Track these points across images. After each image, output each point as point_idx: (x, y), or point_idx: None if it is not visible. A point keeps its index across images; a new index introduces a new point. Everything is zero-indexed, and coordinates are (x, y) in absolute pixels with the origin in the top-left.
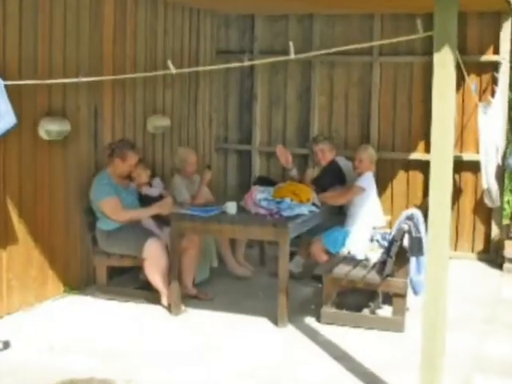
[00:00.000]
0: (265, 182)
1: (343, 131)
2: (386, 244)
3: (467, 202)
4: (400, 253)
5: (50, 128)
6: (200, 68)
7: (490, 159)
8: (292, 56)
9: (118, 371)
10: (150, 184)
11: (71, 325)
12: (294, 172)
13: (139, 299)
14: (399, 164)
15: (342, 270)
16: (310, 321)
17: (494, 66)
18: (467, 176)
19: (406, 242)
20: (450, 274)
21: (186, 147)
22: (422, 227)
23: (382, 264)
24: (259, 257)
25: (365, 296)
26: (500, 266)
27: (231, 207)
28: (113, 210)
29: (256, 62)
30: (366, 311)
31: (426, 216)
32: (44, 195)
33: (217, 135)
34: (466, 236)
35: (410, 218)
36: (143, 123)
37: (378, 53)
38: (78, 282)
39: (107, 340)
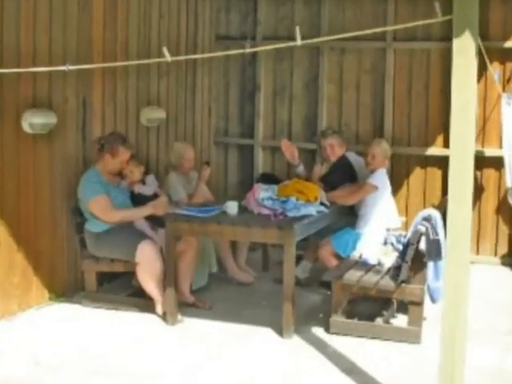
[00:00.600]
0: (269, 179)
1: (354, 124)
2: (400, 247)
3: (490, 201)
4: (416, 257)
5: (34, 121)
6: (198, 55)
7: None
8: (298, 42)
9: None
10: (143, 182)
11: (58, 336)
12: (301, 169)
13: (131, 307)
14: (415, 160)
15: (352, 275)
16: (317, 331)
17: None
18: (489, 173)
19: (422, 245)
20: (471, 279)
21: (182, 141)
22: (440, 229)
23: (396, 269)
24: (262, 261)
25: (378, 304)
26: None
27: (232, 207)
28: (103, 210)
29: (259, 48)
30: (378, 321)
31: (444, 217)
32: (28, 194)
33: (216, 128)
34: (488, 238)
35: (428, 218)
36: (136, 115)
37: (391, 38)
38: (65, 288)
39: (97, 352)
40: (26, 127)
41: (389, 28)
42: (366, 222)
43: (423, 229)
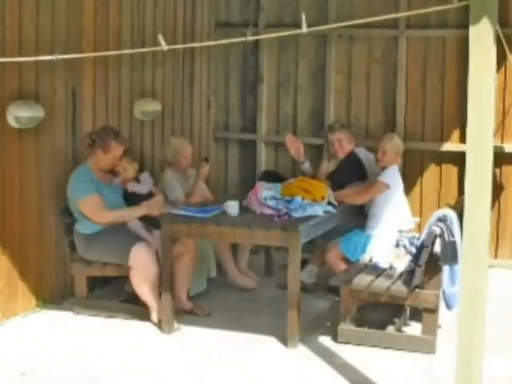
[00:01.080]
0: (272, 177)
1: (364, 117)
2: (414, 250)
3: (509, 200)
4: (431, 260)
5: (20, 114)
6: (196, 44)
7: None
8: (304, 29)
9: None
10: (137, 180)
11: (45, 345)
12: (307, 166)
13: (125, 315)
14: (430, 156)
15: (362, 280)
16: (325, 340)
17: None
18: (509, 170)
19: (437, 247)
20: (490, 285)
21: (179, 136)
22: (456, 230)
23: (409, 273)
24: (265, 265)
25: (389, 311)
26: None
27: (232, 207)
28: (94, 210)
29: (262, 36)
30: (390, 329)
31: (461, 217)
32: (13, 193)
33: (216, 122)
34: (508, 241)
35: (443, 219)
36: (129, 108)
37: (404, 25)
38: (53, 294)
39: (87, 363)
40: (11, 121)
41: (401, 14)
42: (376, 222)
43: (438, 230)
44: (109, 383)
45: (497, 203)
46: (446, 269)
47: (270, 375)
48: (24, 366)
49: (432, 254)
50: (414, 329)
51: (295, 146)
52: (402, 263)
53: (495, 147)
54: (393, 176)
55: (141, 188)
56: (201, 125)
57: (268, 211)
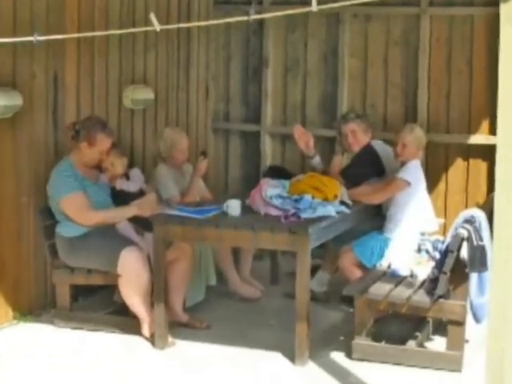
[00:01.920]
0: (278, 173)
1: (381, 106)
2: (438, 255)
3: None
4: (457, 267)
5: None
6: (193, 23)
7: None
8: (314, 7)
9: None
10: (126, 176)
11: (23, 362)
12: (317, 160)
13: (113, 328)
14: (456, 149)
15: (380, 289)
16: (337, 356)
17: None
18: None
19: (464, 252)
20: None
21: (174, 128)
22: (485, 233)
23: (432, 282)
24: (271, 272)
25: (410, 324)
26: None
27: (234, 207)
28: (78, 210)
29: (266, 15)
30: (411, 344)
31: (490, 218)
32: None
33: (215, 112)
34: None
35: (471, 220)
36: (118, 96)
37: (427, 2)
38: (32, 305)
39: (71, 382)
40: None
41: None
42: (395, 224)
43: (465, 233)
44: None
45: None
46: (473, 276)
47: None
48: None
49: (458, 260)
50: (437, 344)
51: (304, 139)
52: (424, 270)
53: None
54: (414, 172)
55: (131, 185)
56: (198, 114)
57: (274, 211)
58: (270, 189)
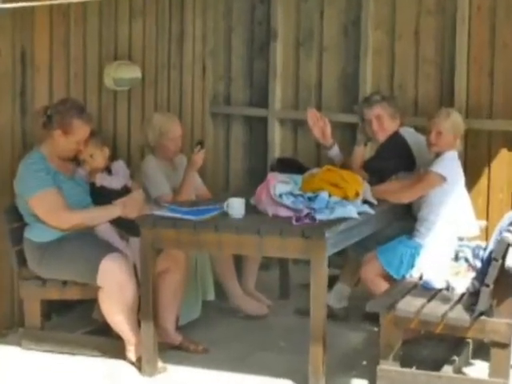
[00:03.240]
0: (289, 166)
1: (412, 87)
2: (479, 264)
3: None
4: (501, 278)
5: None
6: None
7: None
8: None
9: None
10: (108, 170)
11: None
12: (335, 151)
13: (92, 351)
14: (500, 138)
15: (410, 305)
16: None
17: None
18: None
19: (510, 261)
20: None
21: (165, 112)
22: None
23: (472, 296)
24: (280, 285)
25: (446, 346)
26: None
27: (236, 206)
28: (50, 210)
29: None
30: (447, 369)
31: None
32: None
33: (214, 94)
34: None
35: None
36: (98, 75)
37: None
38: None
39: None
40: None
41: None
42: (428, 228)
43: (511, 238)
44: None
45: None
46: None
47: None
48: None
49: (503, 270)
50: (478, 369)
51: (320, 125)
52: (462, 282)
53: None
54: (450, 165)
55: (113, 181)
56: (194, 97)
57: (283, 212)
58: (280, 185)
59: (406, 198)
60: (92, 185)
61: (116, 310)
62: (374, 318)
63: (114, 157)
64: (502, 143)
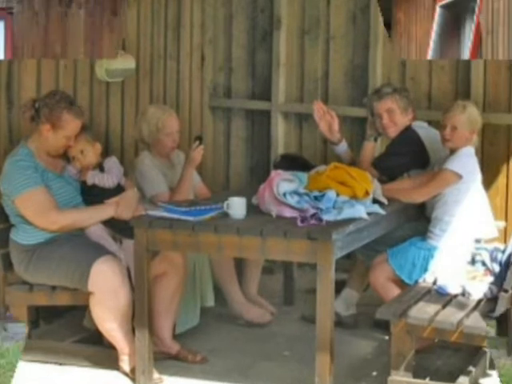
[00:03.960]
0: (293, 163)
1: (425, 79)
2: (497, 268)
3: None
4: None
5: None
6: None
7: None
8: None
9: None
10: (100, 168)
11: None
12: (343, 147)
13: (83, 361)
14: None
15: (423, 311)
16: None
17: None
18: None
19: None
20: None
21: (160, 106)
22: None
23: (490, 302)
24: (284, 290)
25: (462, 355)
26: None
27: (237, 206)
28: (39, 210)
29: None
30: (463, 380)
31: None
32: None
33: (213, 85)
34: None
35: None
36: (89, 65)
37: None
38: None
39: None
40: None
41: None
42: (443, 229)
43: None
44: None
45: None
46: None
47: None
48: None
49: None
50: (496, 381)
51: (326, 119)
52: (479, 287)
53: None
54: (466, 162)
55: (106, 179)
56: (192, 89)
57: (288, 212)
58: (283, 183)
59: (418, 198)
60: (83, 183)
61: (108, 316)
62: (384, 326)
63: (106, 153)
64: None
